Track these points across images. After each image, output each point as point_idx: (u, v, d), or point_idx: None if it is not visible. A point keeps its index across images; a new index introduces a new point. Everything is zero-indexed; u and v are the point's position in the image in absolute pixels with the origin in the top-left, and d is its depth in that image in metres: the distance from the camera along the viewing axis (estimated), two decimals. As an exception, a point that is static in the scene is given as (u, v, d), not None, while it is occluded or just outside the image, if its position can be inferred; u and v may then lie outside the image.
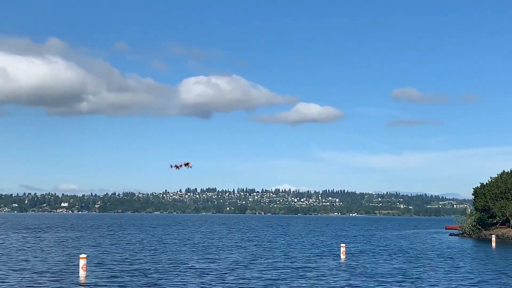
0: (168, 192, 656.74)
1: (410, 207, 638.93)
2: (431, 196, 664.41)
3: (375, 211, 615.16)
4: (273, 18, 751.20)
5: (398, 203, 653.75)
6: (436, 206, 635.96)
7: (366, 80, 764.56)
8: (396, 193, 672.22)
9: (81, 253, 45.72)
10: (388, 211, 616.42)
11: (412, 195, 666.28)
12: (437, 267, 50.33)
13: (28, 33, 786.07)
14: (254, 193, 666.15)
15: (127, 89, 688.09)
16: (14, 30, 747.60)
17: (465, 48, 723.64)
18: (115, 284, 37.76)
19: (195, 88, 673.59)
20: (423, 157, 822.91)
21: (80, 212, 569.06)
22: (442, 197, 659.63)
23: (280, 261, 53.63)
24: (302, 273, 44.55)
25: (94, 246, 72.20)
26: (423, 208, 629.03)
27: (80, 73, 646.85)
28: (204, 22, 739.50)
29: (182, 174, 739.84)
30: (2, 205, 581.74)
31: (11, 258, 53.84)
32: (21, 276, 41.22)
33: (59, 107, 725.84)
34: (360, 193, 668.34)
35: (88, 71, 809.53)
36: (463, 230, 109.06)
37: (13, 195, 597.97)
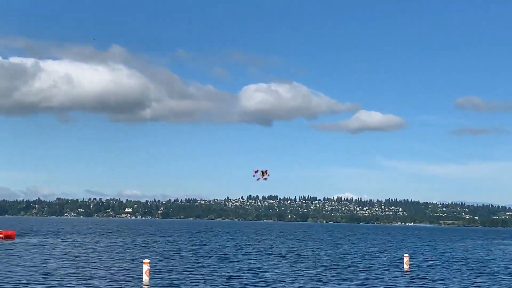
0: (230, 199, 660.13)
1: (476, 217, 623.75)
2: (498, 206, 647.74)
3: (440, 221, 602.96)
4: (334, 26, 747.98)
5: (463, 213, 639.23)
6: (503, 217, 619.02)
7: (429, 88, 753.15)
8: (462, 203, 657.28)
9: (144, 259, 46.11)
10: (453, 221, 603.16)
11: (478, 205, 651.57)
12: (509, 281, 48.60)
13: (91, 40, 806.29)
14: (316, 201, 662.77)
15: (188, 96, 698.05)
16: (78, 38, 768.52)
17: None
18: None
19: (255, 96, 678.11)
20: (489, 166, 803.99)
21: (143, 218, 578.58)
22: (509, 207, 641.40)
23: (341, 272, 52.81)
24: (365, 284, 43.70)
25: (158, 251, 72.92)
26: (489, 218, 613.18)
27: (142, 80, 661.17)
28: (264, 29, 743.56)
29: (244, 182, 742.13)
30: (68, 209, 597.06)
31: (76, 262, 54.85)
32: (85, 280, 41.84)
33: (123, 114, 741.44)
34: (424, 202, 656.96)
35: (150, 78, 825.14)
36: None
37: (79, 200, 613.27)
